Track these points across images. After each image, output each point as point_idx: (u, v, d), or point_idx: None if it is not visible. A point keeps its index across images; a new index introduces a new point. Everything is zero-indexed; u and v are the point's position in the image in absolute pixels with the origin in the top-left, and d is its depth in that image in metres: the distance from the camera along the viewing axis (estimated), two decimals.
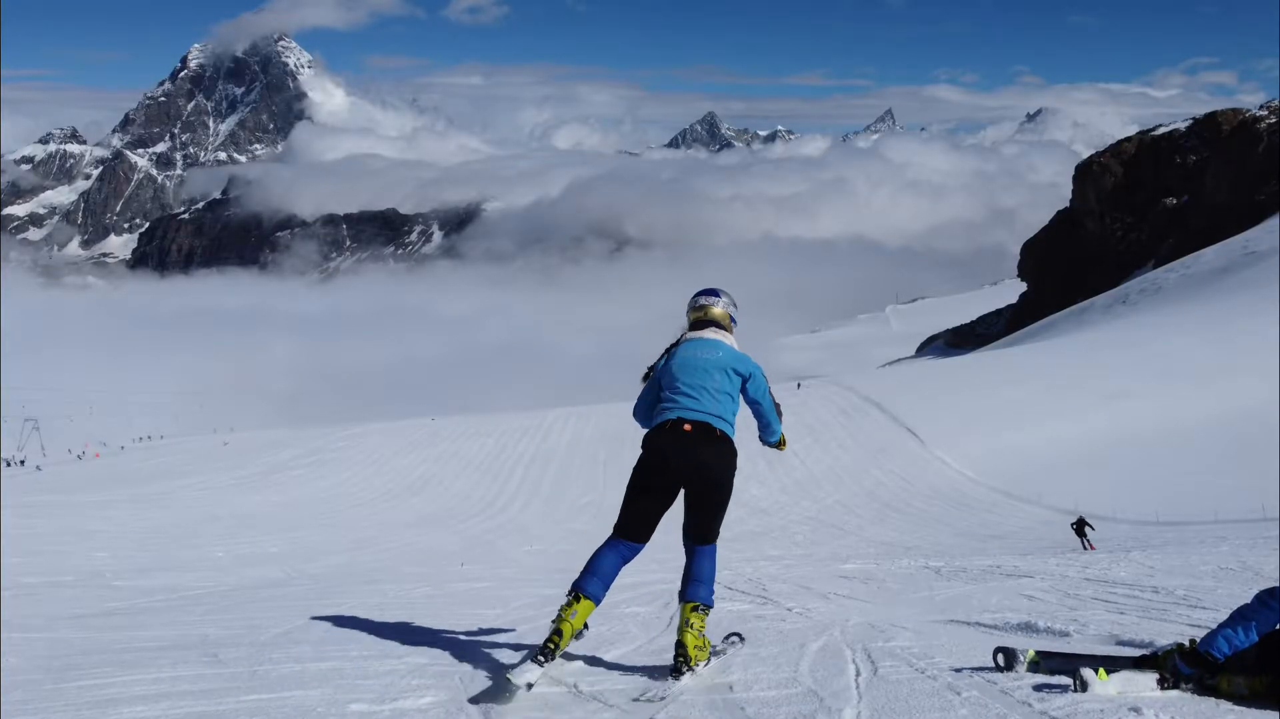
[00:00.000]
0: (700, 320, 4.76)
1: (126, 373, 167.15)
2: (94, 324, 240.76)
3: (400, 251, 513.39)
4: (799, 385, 63.65)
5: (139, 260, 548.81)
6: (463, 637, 5.48)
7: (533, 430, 53.97)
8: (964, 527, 28.04)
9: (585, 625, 4.43)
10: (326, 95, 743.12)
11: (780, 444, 4.97)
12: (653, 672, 4.34)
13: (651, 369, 4.71)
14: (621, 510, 4.49)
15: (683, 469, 4.37)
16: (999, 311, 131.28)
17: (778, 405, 4.73)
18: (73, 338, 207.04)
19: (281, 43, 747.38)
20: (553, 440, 51.68)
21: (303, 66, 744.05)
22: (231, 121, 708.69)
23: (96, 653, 5.09)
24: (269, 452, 54.27)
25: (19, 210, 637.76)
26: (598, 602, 4.29)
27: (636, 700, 3.80)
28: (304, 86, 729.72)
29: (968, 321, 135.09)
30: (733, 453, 4.42)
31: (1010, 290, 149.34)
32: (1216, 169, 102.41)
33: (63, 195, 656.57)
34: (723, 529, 4.57)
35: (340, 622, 6.05)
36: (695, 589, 4.36)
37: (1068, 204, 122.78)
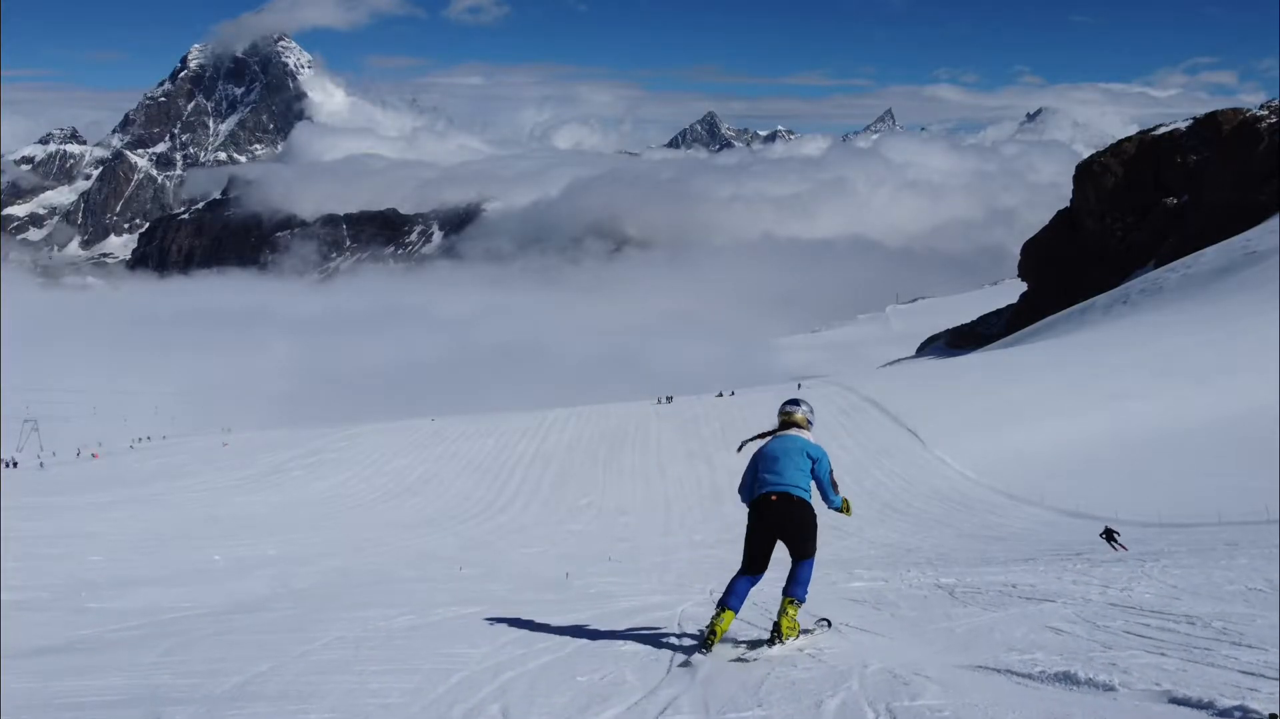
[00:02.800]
0: (786, 422, 6.84)
1: (126, 373, 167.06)
2: (94, 324, 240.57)
3: (400, 252, 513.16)
4: (799, 386, 63.59)
5: (139, 260, 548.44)
6: (440, 690, 5.22)
7: (532, 431, 53.87)
8: (966, 528, 27.94)
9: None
10: (326, 95, 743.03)
11: (843, 509, 6.81)
12: None
13: (749, 441, 6.92)
14: (744, 554, 6.52)
15: (775, 525, 6.41)
16: (999, 311, 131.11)
17: (835, 484, 6.62)
18: (72, 338, 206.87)
19: (281, 43, 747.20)
20: (552, 441, 51.59)
21: (303, 66, 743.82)
22: (231, 122, 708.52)
23: (37, 708, 4.79)
24: (268, 452, 54.18)
25: (19, 210, 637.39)
26: (737, 611, 6.39)
27: (733, 661, 5.81)
28: (304, 86, 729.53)
29: (968, 321, 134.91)
30: (809, 508, 6.42)
31: (1010, 290, 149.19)
32: (1217, 169, 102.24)
33: (63, 195, 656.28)
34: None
35: (309, 666, 5.77)
36: (793, 588, 6.28)
37: (1068, 204, 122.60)
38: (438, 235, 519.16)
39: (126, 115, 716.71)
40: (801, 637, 6.29)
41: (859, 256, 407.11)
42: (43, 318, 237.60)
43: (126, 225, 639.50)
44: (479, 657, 6.10)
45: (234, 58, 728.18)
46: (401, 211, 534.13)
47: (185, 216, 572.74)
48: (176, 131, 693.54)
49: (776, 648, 6.02)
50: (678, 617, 8.00)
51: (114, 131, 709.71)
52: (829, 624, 6.81)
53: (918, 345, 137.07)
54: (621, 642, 6.64)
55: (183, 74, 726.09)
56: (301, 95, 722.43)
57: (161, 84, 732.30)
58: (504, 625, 7.67)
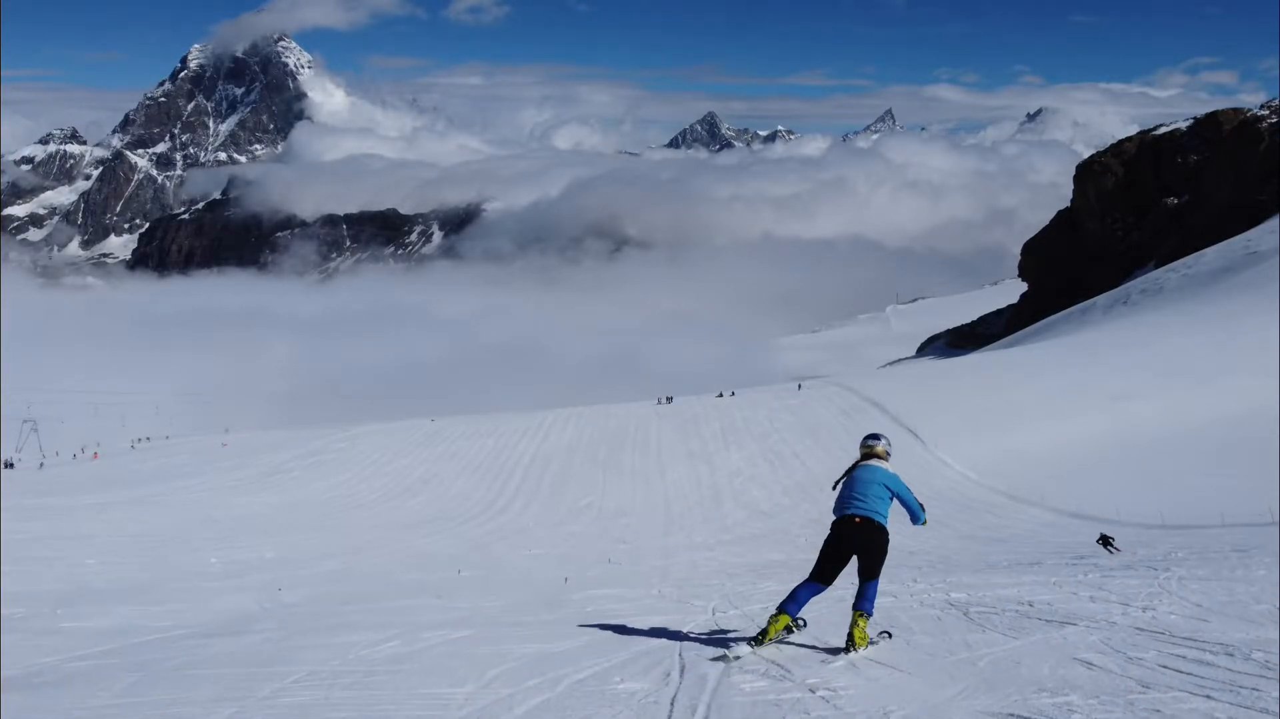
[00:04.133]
0: (868, 454, 7.66)
1: (126, 373, 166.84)
2: (94, 324, 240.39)
3: (400, 252, 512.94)
4: (799, 386, 63.49)
5: (139, 261, 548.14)
6: None
7: (532, 431, 53.76)
8: (967, 530, 27.83)
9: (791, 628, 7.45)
10: (326, 95, 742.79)
11: (925, 523, 7.83)
12: None
13: (841, 479, 7.64)
14: (816, 563, 7.31)
15: (855, 545, 7.24)
16: (999, 312, 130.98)
17: (920, 503, 7.59)
18: (72, 338, 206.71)
19: (281, 43, 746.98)
20: (552, 441, 51.46)
21: (303, 67, 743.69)
22: (231, 122, 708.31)
23: None
24: (268, 453, 54.06)
25: (19, 211, 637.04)
26: (793, 617, 7.20)
27: (823, 663, 6.58)
28: (304, 87, 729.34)
29: (968, 322, 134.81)
30: (886, 533, 7.29)
31: (1011, 290, 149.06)
32: (1217, 169, 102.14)
33: (63, 196, 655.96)
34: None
35: (272, 714, 5.44)
36: (862, 603, 7.07)
37: (1068, 204, 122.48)
38: (438, 235, 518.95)
39: (126, 115, 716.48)
40: (869, 647, 7.04)
41: (859, 256, 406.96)
42: (43, 318, 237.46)
43: (126, 225, 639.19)
44: (462, 699, 5.78)
45: (234, 58, 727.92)
46: (401, 211, 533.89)
47: (185, 217, 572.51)
48: (176, 131, 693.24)
49: (852, 654, 6.85)
50: (679, 646, 7.71)
51: (114, 131, 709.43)
52: (890, 635, 7.45)
53: (918, 346, 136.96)
54: (618, 679, 6.36)
55: (183, 74, 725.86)
56: (301, 95, 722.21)
57: (161, 84, 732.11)
58: (493, 655, 7.39)
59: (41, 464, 63.94)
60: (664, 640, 7.87)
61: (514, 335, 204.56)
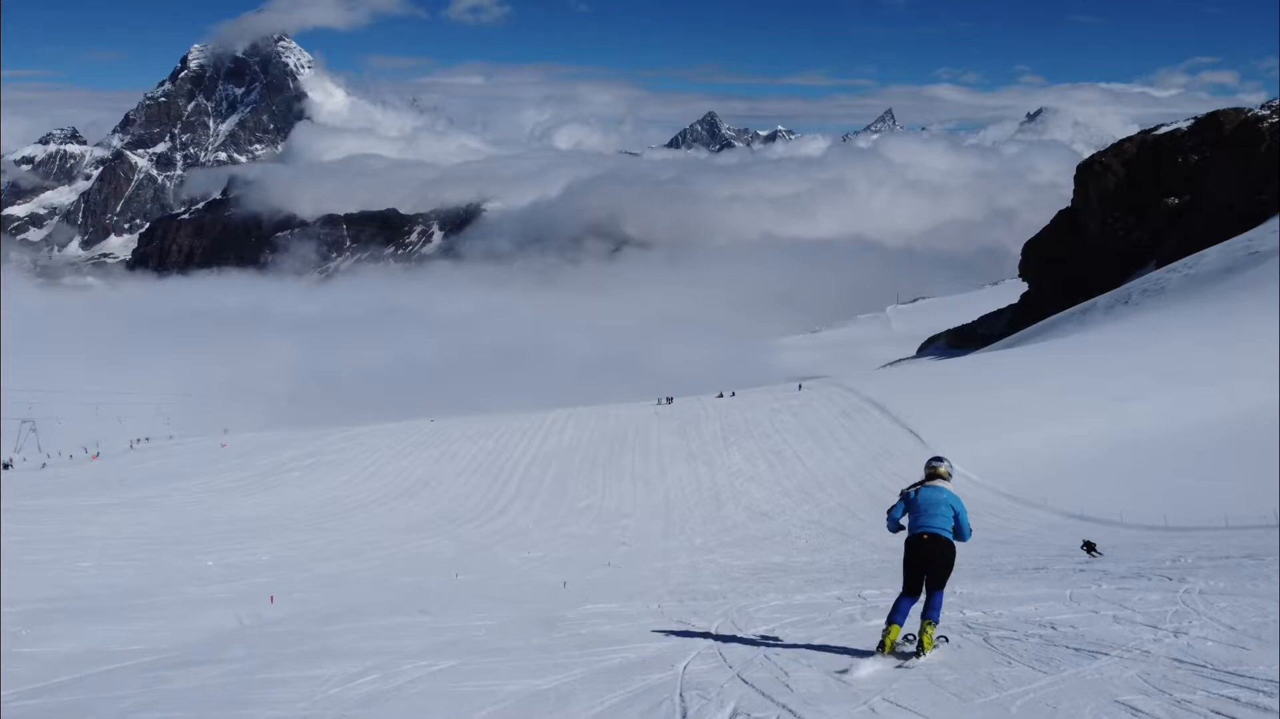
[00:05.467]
0: (932, 474, 8.46)
1: (126, 374, 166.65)
2: (93, 325, 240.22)
3: (400, 252, 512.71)
4: (800, 387, 63.36)
5: (139, 261, 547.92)
6: None
7: (532, 432, 53.61)
8: None
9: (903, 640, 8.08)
10: (326, 95, 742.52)
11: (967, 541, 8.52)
12: None
13: (904, 494, 8.40)
14: (904, 580, 8.15)
15: (928, 559, 8.04)
16: (1000, 312, 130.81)
17: (971, 528, 8.36)
18: (72, 338, 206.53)
19: (281, 43, 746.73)
20: (552, 442, 51.32)
21: (303, 66, 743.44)
22: (231, 122, 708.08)
23: None
24: (267, 453, 53.91)
25: (19, 211, 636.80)
26: (901, 625, 7.90)
27: (898, 667, 7.46)
28: (304, 86, 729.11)
29: (968, 322, 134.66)
30: (953, 548, 8.16)
31: (1011, 290, 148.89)
32: (1219, 169, 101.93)
33: (63, 196, 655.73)
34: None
35: None
36: (930, 612, 7.88)
37: (1068, 204, 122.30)
38: (438, 235, 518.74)
39: (126, 115, 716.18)
40: (933, 653, 7.83)
41: (859, 256, 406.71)
42: (42, 318, 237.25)
43: (126, 225, 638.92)
44: None
45: (234, 58, 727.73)
46: (401, 212, 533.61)
47: (185, 217, 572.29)
48: (176, 131, 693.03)
49: (923, 658, 7.67)
50: (679, 679, 7.29)
51: (114, 131, 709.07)
52: (947, 640, 8.32)
53: (918, 346, 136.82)
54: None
55: (183, 74, 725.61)
56: (301, 95, 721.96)
57: (161, 84, 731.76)
58: (476, 694, 6.96)
59: (44, 464, 64.14)
60: (663, 675, 7.46)
61: (514, 335, 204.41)
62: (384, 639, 9.84)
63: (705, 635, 9.63)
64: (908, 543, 8.19)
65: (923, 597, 8.02)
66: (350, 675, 7.64)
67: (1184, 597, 9.82)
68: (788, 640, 9.02)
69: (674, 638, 9.59)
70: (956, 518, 8.21)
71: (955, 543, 8.19)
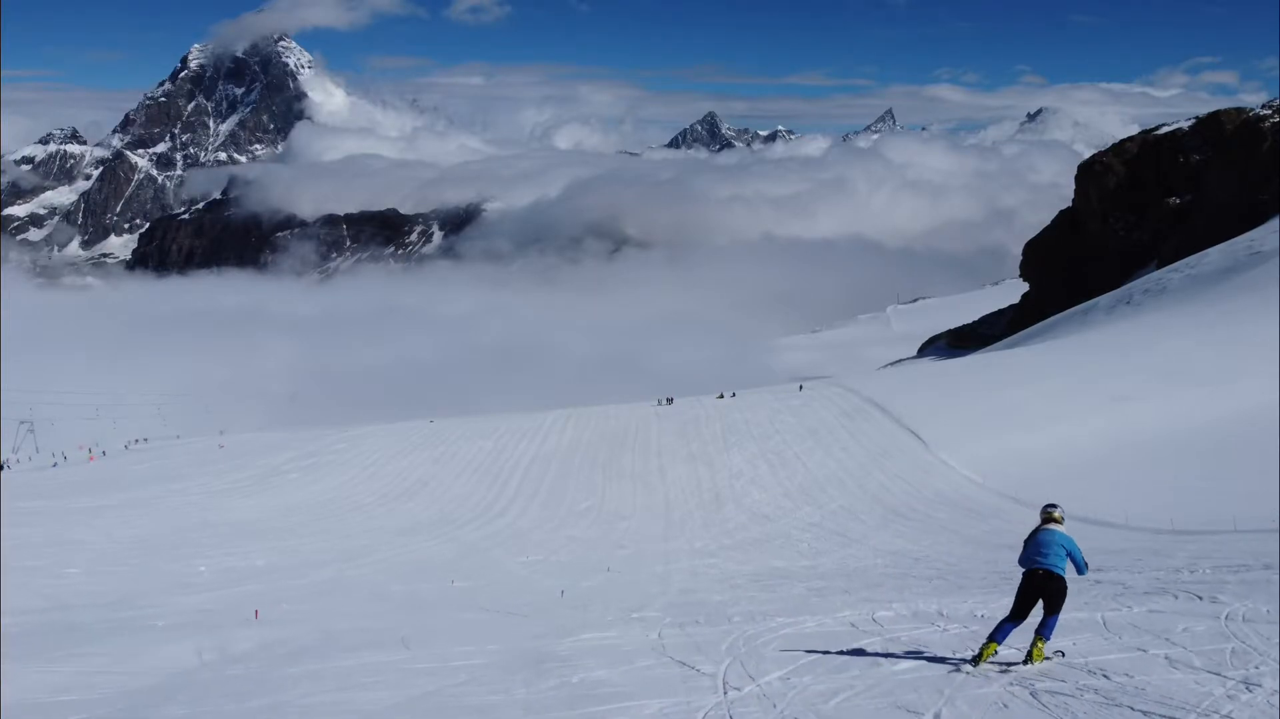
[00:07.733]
0: (1048, 518, 9.69)
1: (126, 374, 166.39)
2: (93, 325, 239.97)
3: (400, 252, 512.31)
4: (801, 387, 63.13)
5: (139, 261, 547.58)
6: None
7: (531, 432, 53.36)
8: (972, 534, 27.47)
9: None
10: (326, 95, 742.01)
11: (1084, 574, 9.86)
12: None
13: (1029, 538, 9.64)
14: (1014, 605, 9.39)
15: (1041, 591, 9.26)
16: (1000, 312, 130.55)
17: (1086, 562, 9.58)
18: (72, 339, 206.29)
19: (281, 43, 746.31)
20: (552, 442, 51.07)
21: (303, 67, 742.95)
22: (231, 122, 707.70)
23: None
24: (265, 454, 53.65)
25: (19, 211, 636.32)
26: (1000, 644, 9.16)
27: (1002, 671, 8.66)
28: (304, 87, 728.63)
29: (969, 322, 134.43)
30: (1064, 582, 9.31)
31: (1011, 291, 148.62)
32: (1220, 168, 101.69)
33: (63, 196, 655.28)
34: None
35: None
36: (1044, 630, 9.07)
37: (1069, 204, 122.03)
38: (437, 235, 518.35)
39: (126, 115, 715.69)
40: (1044, 662, 8.98)
41: (859, 257, 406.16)
42: (42, 318, 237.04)
43: (126, 225, 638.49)
44: None
45: (234, 58, 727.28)
46: (401, 211, 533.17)
47: (185, 217, 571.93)
48: (176, 131, 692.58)
49: (1030, 666, 8.88)
50: None
51: (114, 131, 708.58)
52: (1063, 654, 9.32)
53: (918, 346, 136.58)
54: None
55: (183, 74, 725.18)
56: (301, 95, 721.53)
57: (161, 84, 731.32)
58: None
59: (55, 464, 64.66)
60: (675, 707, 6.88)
61: (513, 335, 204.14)
62: (348, 690, 9.05)
63: (711, 687, 8.95)
64: (1024, 576, 9.46)
65: (1025, 620, 9.23)
66: (338, 708, 7.07)
67: (1230, 626, 9.55)
68: (809, 692, 8.40)
69: (677, 690, 8.95)
70: (1070, 556, 9.43)
71: (1065, 578, 9.36)
